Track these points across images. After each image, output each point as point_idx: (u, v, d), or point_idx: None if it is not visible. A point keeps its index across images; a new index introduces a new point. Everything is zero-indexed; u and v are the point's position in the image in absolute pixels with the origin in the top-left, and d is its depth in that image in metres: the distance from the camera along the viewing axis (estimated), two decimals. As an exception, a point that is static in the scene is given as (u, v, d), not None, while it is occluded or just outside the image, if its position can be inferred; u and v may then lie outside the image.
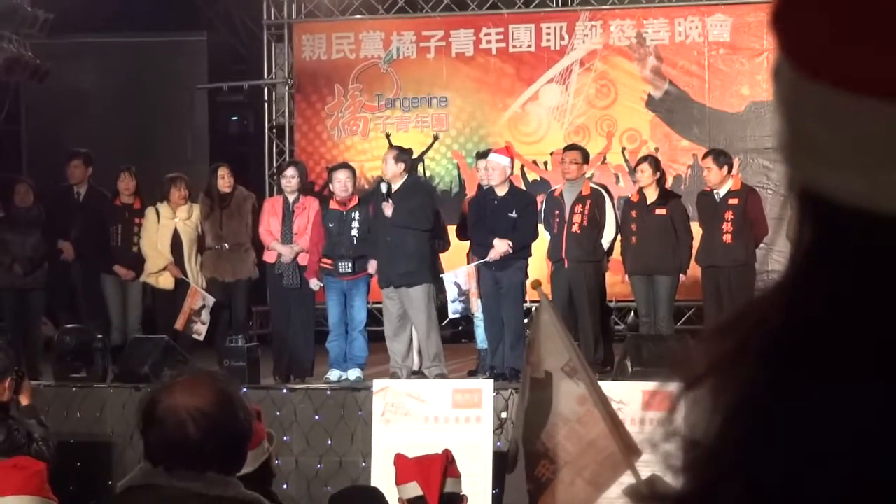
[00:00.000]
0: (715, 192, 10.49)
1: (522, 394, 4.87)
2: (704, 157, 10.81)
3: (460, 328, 13.61)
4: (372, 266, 10.41)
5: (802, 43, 0.71)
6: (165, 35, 15.23)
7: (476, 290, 10.40)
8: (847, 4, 0.69)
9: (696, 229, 10.66)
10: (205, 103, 15.49)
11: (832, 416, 0.68)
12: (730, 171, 10.55)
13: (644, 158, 11.04)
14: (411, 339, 10.52)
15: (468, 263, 10.62)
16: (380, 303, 10.84)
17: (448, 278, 10.42)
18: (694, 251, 10.54)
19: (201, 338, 11.01)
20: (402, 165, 10.39)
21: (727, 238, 10.31)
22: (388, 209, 10.18)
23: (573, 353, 4.67)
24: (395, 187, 10.33)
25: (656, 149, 13.35)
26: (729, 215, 10.33)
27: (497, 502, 8.41)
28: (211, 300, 11.01)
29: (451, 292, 10.38)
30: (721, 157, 10.56)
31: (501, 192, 10.30)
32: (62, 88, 14.32)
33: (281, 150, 14.94)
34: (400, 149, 10.92)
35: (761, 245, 10.64)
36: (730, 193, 10.42)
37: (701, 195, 10.82)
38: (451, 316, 10.60)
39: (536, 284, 5.25)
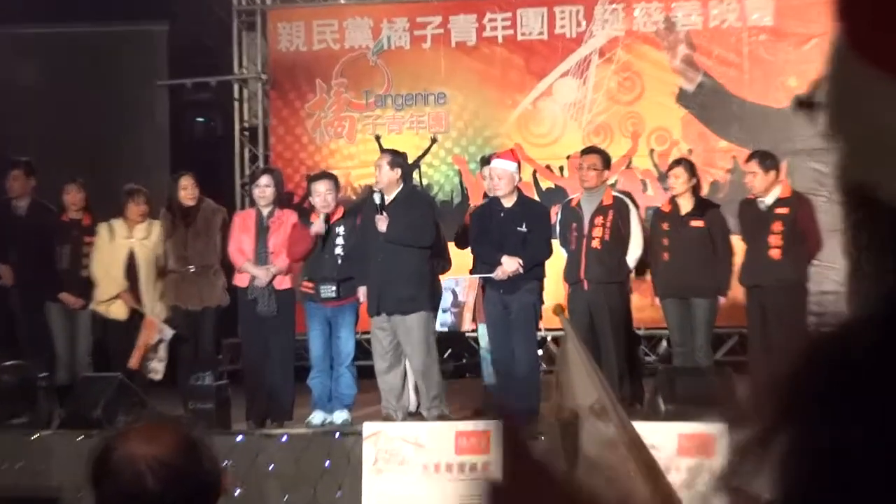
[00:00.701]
0: (760, 200, 10.46)
1: (555, 438, 4.82)
2: (748, 159, 10.78)
3: (464, 361, 13.57)
4: (361, 293, 10.36)
5: (875, 34, 0.69)
6: (119, 25, 15.24)
7: (472, 305, 10.37)
8: None
9: (738, 244, 10.63)
10: (165, 102, 15.50)
11: None
12: (777, 175, 10.53)
13: (676, 162, 11.03)
14: (406, 375, 10.48)
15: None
16: (370, 332, 10.79)
17: (447, 284, 10.41)
18: (736, 269, 10.51)
19: (159, 377, 10.97)
20: (397, 172, 10.36)
21: (775, 253, 10.27)
22: (381, 223, 10.15)
23: (602, 389, 4.62)
24: (388, 198, 10.30)
25: (690, 151, 13.36)
26: (777, 227, 10.30)
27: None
28: (169, 333, 10.97)
29: (444, 300, 10.36)
30: (767, 159, 10.53)
31: (509, 202, 10.26)
32: (-1, 87, 14.33)
33: (254, 156, 14.94)
34: (394, 153, 10.88)
35: (814, 261, 10.59)
36: (778, 202, 10.38)
37: (744, 204, 10.79)
38: (437, 328, 10.54)
39: (559, 310, 5.20)
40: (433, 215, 10.62)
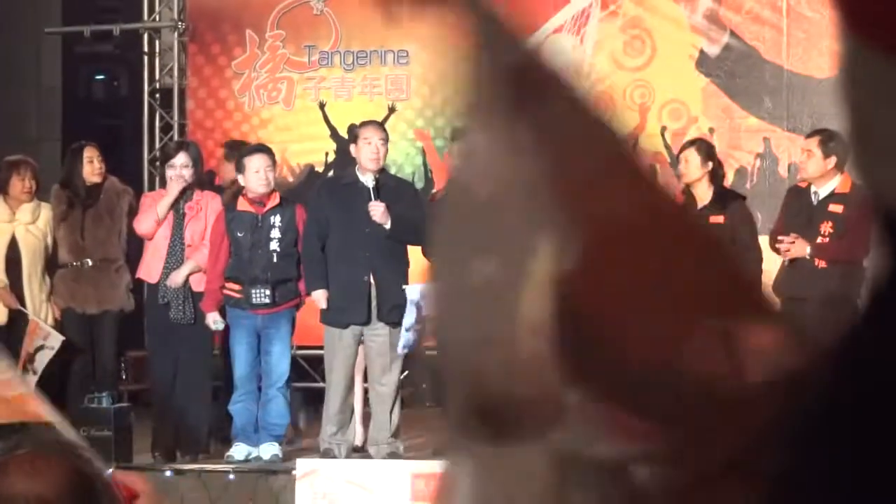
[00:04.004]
0: (814, 191, 10.49)
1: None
2: (809, 135, 10.86)
3: (424, 386, 13.53)
4: (321, 298, 10.30)
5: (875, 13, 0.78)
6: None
7: None
8: None
9: (766, 245, 10.67)
10: (57, 56, 15.44)
11: None
12: (840, 164, 10.53)
13: (692, 143, 11.09)
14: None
15: None
16: (309, 347, 10.77)
17: (410, 292, 10.29)
18: (771, 275, 10.51)
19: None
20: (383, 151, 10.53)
21: (821, 259, 10.30)
22: (379, 213, 10.14)
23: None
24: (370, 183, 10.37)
25: (711, 130, 13.37)
26: (827, 227, 10.33)
27: None
28: (57, 340, 10.93)
29: (408, 316, 10.31)
30: (832, 141, 10.54)
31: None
32: None
33: (167, 125, 14.90)
34: (380, 126, 10.97)
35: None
36: (832, 196, 10.42)
37: (792, 192, 10.86)
38: (399, 351, 10.55)
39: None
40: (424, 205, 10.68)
